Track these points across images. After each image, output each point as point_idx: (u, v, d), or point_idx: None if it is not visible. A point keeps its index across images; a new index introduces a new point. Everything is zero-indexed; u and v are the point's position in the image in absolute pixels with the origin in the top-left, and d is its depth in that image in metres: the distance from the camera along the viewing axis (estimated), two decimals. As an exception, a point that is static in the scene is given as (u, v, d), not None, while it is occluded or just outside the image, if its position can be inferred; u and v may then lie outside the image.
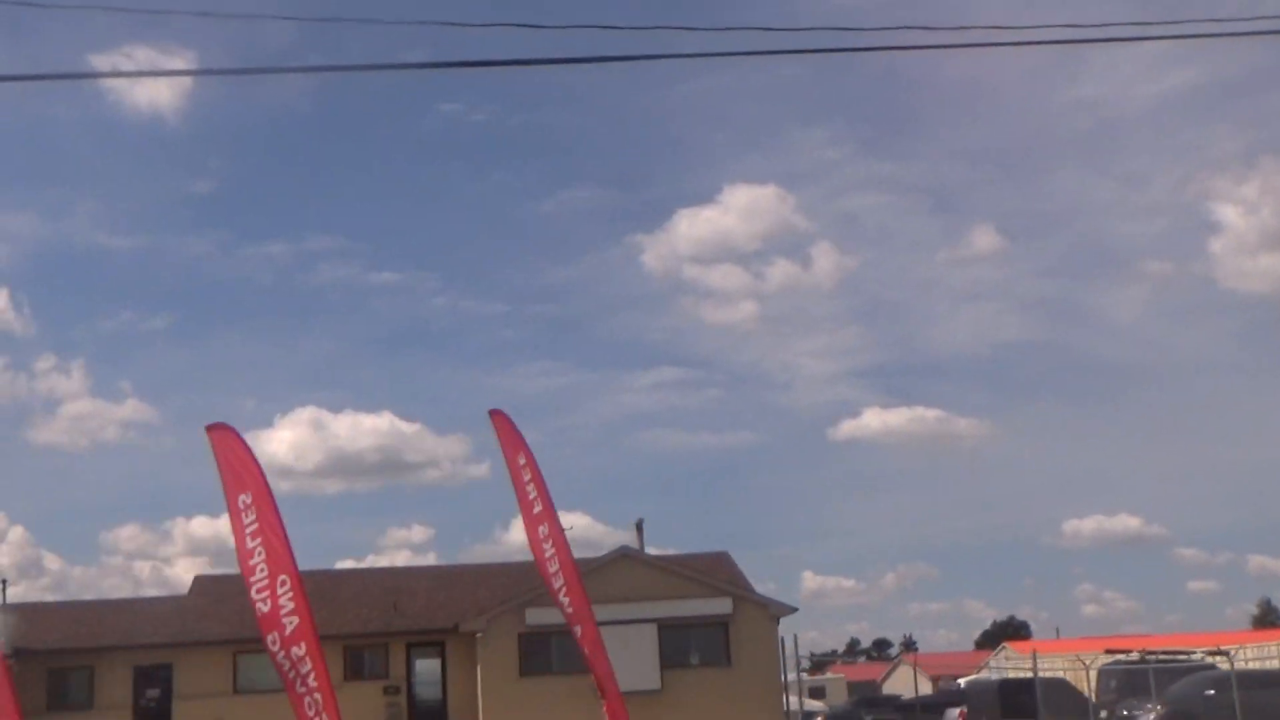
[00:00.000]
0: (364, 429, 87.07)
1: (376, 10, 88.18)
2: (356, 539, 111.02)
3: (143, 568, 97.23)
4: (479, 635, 33.32)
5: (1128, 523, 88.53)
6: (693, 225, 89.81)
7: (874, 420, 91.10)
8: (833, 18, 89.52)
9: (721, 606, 33.95)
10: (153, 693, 33.45)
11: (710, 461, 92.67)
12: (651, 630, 31.73)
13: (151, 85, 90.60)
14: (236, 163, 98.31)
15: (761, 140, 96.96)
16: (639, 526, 37.44)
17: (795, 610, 35.40)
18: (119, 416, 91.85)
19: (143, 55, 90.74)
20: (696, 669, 33.70)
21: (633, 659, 29.24)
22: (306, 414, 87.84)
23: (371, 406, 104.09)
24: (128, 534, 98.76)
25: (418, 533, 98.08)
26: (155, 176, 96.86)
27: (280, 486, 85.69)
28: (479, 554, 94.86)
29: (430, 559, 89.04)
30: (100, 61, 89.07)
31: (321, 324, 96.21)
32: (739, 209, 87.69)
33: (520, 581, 33.71)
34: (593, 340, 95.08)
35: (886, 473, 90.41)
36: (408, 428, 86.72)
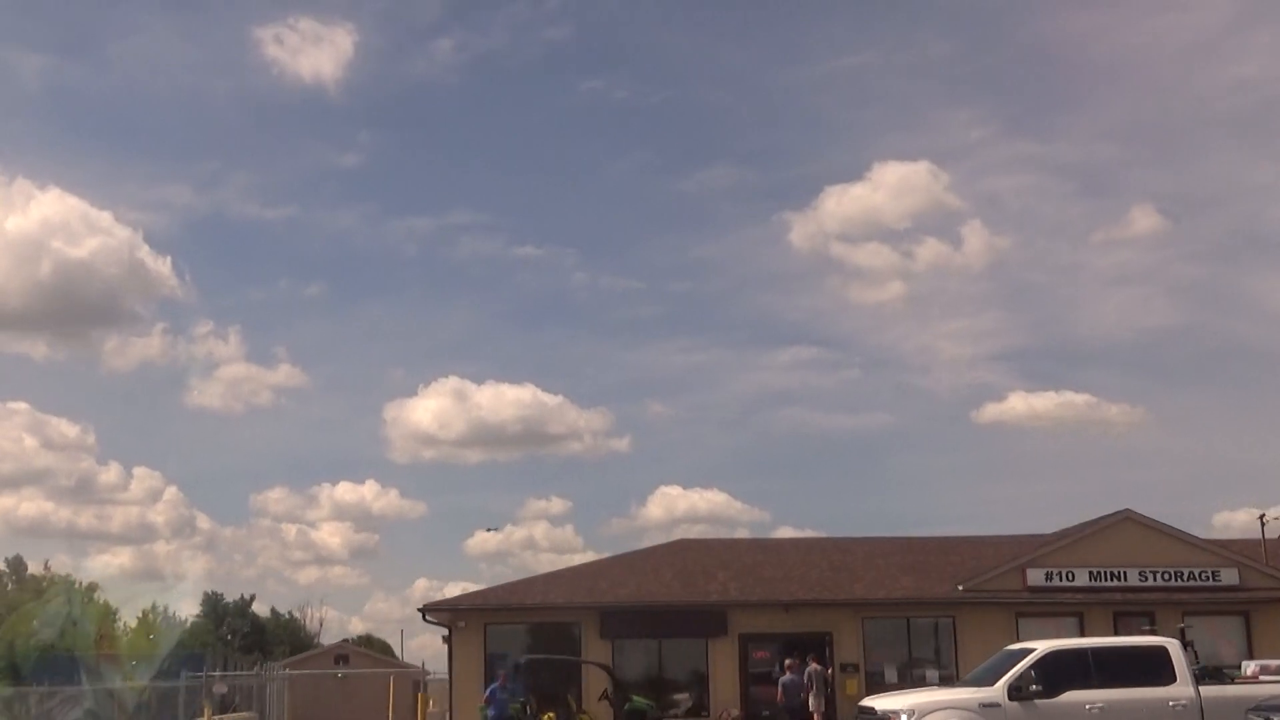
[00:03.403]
0: (507, 400, 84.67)
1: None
2: (496, 508, 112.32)
3: (289, 530, 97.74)
4: None
5: None
6: (841, 203, 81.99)
7: (1019, 404, 79.54)
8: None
9: None
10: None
11: (847, 442, 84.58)
12: None
13: (315, 57, 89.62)
14: (384, 137, 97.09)
15: (908, 118, 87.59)
16: None
17: None
18: (272, 382, 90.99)
19: (306, 27, 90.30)
20: None
21: None
22: (450, 384, 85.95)
23: (514, 378, 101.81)
24: (276, 496, 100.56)
25: (556, 504, 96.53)
26: (306, 149, 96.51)
27: (424, 455, 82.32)
28: (616, 528, 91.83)
29: (568, 531, 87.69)
30: (263, 34, 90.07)
31: (464, 297, 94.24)
32: (889, 186, 79.05)
33: None
34: (732, 318, 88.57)
35: (1032, 458, 78.77)
36: (550, 400, 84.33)
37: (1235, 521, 73.09)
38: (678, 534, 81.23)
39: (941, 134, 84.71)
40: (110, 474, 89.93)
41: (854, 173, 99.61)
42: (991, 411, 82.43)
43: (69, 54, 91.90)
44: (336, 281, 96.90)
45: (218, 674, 44.80)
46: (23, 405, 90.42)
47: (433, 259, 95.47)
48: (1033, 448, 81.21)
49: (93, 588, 64.24)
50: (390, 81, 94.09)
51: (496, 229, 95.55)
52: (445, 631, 31.79)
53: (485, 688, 26.18)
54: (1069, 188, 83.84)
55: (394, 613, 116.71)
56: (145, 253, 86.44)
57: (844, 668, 30.88)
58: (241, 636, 78.29)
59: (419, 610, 31.72)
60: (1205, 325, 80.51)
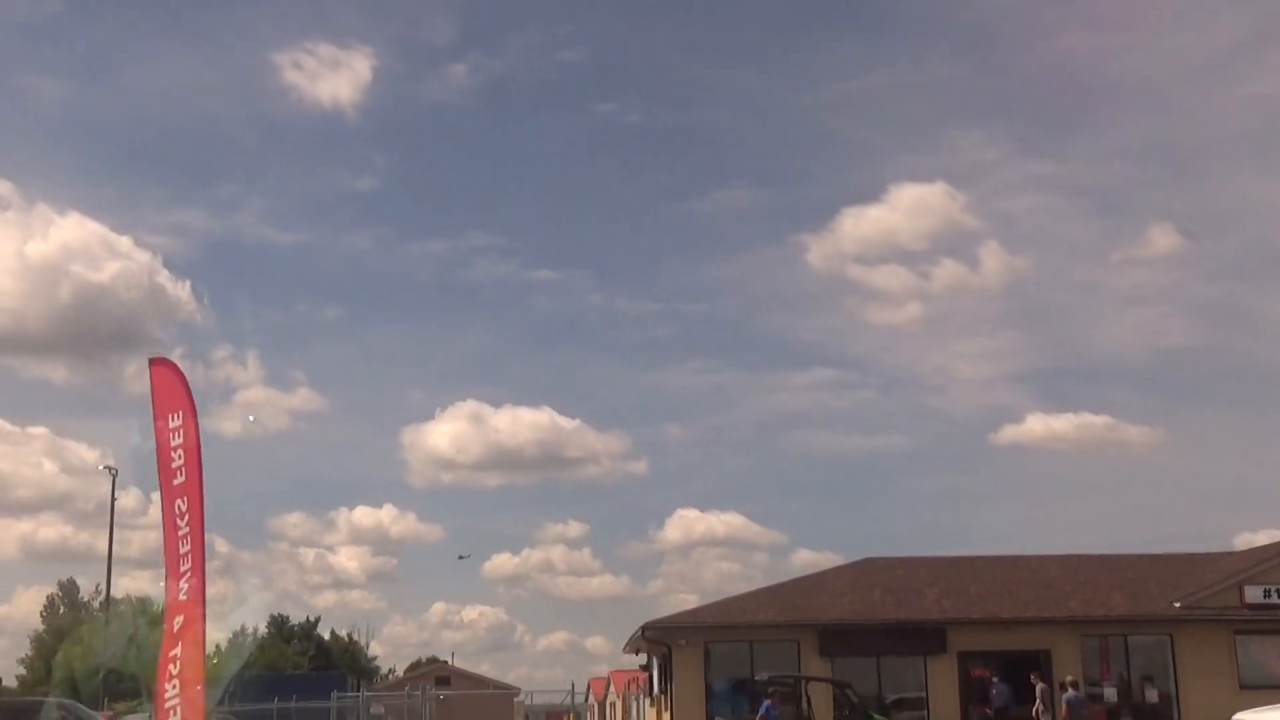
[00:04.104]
0: (524, 423, 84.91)
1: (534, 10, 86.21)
2: (513, 532, 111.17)
3: (307, 554, 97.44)
4: None
5: (1304, 536, 71.88)
6: (858, 224, 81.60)
7: (1038, 426, 79.56)
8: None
9: None
10: None
11: (864, 464, 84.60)
12: None
13: (332, 82, 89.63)
14: (399, 161, 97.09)
15: (923, 139, 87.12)
16: None
17: None
18: (291, 406, 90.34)
19: (324, 52, 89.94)
20: None
21: None
22: (467, 407, 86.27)
23: (531, 401, 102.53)
24: (294, 521, 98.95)
25: (574, 528, 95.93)
26: (321, 173, 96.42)
27: (442, 478, 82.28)
28: (634, 551, 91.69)
29: (585, 555, 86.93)
30: (281, 59, 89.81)
31: (480, 320, 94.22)
32: (905, 207, 78.81)
33: None
34: (748, 339, 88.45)
35: (1052, 480, 79.33)
36: (567, 423, 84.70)
37: (1256, 543, 71.66)
38: (695, 557, 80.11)
39: (956, 155, 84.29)
40: (129, 499, 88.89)
41: (870, 194, 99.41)
42: (1010, 433, 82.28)
43: (88, 80, 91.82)
44: (353, 305, 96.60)
45: (372, 694, 44.67)
46: (42, 430, 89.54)
47: (448, 282, 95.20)
48: (1052, 469, 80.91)
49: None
50: (405, 105, 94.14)
51: (512, 252, 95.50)
52: (664, 651, 31.61)
53: (760, 706, 25.99)
54: (1085, 207, 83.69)
55: (411, 636, 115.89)
56: (165, 277, 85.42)
57: (1062, 686, 30.67)
58: (310, 659, 77.82)
59: (640, 629, 31.45)
60: (1223, 344, 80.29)
